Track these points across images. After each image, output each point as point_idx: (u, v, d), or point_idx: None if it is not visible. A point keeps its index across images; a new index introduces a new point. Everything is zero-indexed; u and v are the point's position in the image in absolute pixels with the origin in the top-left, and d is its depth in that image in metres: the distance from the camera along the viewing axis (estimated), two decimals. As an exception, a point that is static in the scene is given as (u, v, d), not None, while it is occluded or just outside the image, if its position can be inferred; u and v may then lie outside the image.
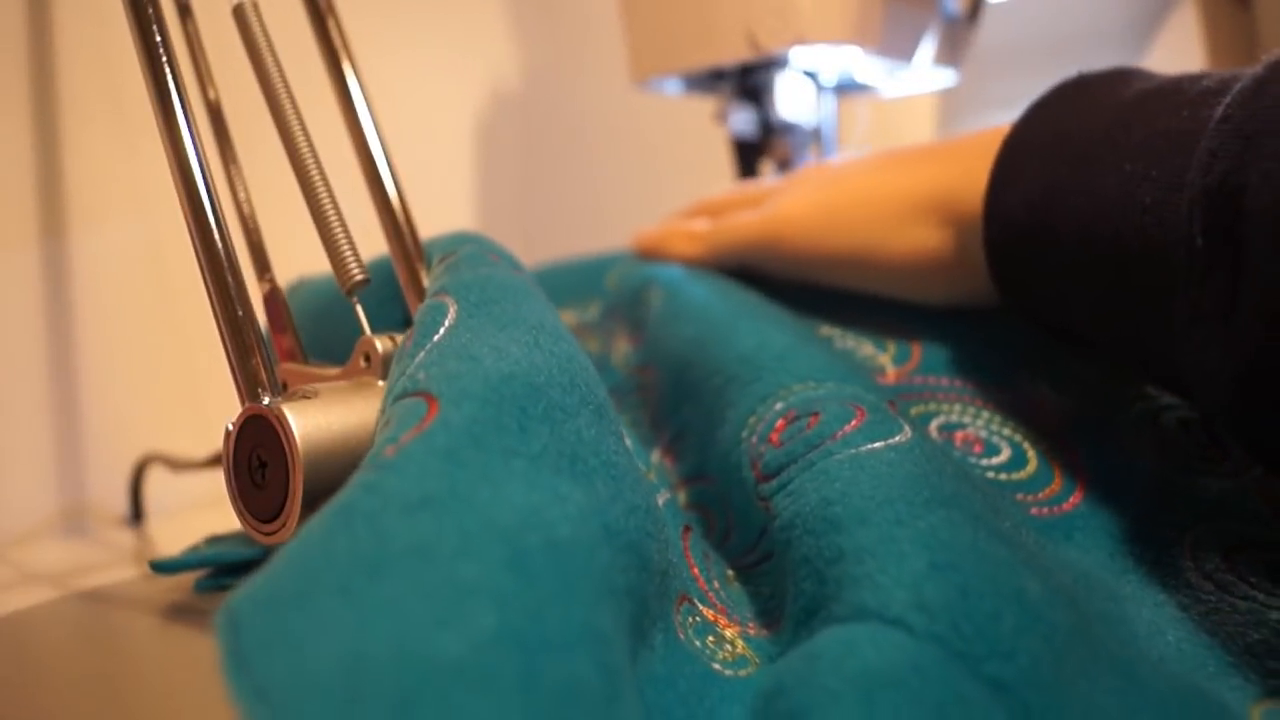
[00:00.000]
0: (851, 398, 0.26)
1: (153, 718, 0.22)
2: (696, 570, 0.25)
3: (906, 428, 0.24)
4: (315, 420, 0.24)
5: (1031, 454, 0.29)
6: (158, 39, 0.27)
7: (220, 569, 0.31)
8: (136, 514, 0.49)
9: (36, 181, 0.50)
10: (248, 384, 0.25)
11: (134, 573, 0.33)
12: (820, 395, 0.26)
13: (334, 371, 0.28)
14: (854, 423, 0.24)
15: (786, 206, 0.35)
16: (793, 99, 0.53)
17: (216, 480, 0.27)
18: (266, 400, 0.24)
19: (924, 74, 0.57)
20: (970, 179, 0.29)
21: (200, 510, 0.51)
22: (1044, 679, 0.17)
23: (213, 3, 0.34)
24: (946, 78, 0.59)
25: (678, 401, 0.32)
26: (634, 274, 0.40)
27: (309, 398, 0.24)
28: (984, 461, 0.29)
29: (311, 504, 0.23)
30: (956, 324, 0.33)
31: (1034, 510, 0.28)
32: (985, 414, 0.30)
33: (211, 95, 0.34)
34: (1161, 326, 0.23)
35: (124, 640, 0.28)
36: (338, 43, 0.31)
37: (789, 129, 0.55)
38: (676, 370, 0.32)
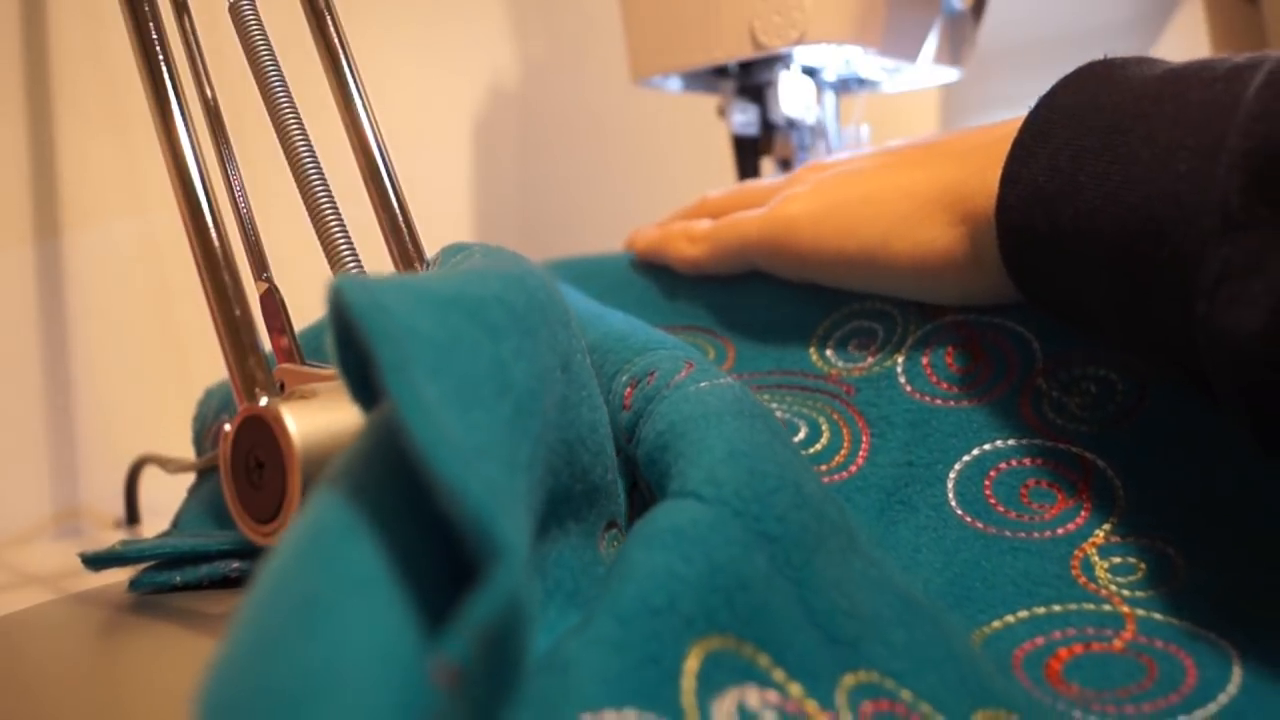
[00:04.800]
0: (683, 355, 0.29)
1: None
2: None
3: (730, 378, 0.27)
4: (313, 421, 0.23)
5: (825, 427, 0.32)
6: (154, 36, 0.27)
7: (153, 566, 0.31)
8: (132, 516, 0.49)
9: (32, 180, 0.50)
10: (245, 384, 0.25)
11: (129, 575, 0.33)
12: (655, 358, 0.29)
13: (332, 372, 0.27)
14: (684, 373, 0.27)
15: (791, 206, 0.35)
16: (794, 96, 0.53)
17: (213, 482, 0.26)
18: (264, 401, 0.24)
19: (927, 71, 0.57)
20: (982, 174, 0.29)
21: (198, 511, 0.51)
22: (807, 542, 0.21)
23: (210, 0, 0.33)
24: (949, 74, 0.59)
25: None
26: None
27: (306, 398, 0.24)
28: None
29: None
30: (759, 313, 0.37)
31: (824, 480, 0.30)
32: (789, 397, 0.34)
33: (209, 93, 0.34)
34: (1186, 297, 0.23)
35: (119, 642, 0.28)
36: (336, 40, 0.31)
37: (790, 126, 0.55)
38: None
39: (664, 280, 0.41)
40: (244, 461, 0.24)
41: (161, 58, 0.28)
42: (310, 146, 0.29)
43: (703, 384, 0.26)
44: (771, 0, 0.49)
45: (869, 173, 0.34)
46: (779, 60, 0.53)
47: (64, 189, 0.51)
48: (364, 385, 0.18)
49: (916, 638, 0.21)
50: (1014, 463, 0.29)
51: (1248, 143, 0.21)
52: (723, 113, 0.57)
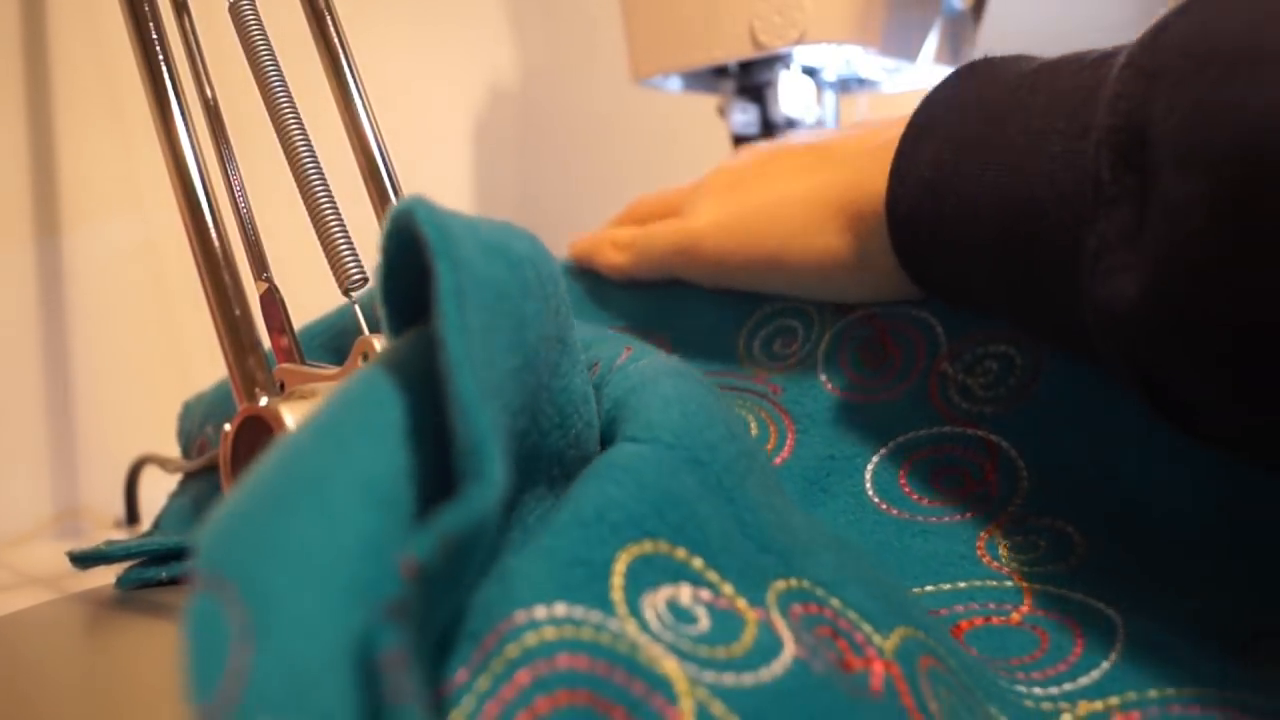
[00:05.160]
0: (622, 342, 0.30)
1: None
2: None
3: (672, 358, 0.28)
4: (313, 421, 0.23)
5: (754, 423, 0.33)
6: (154, 35, 0.27)
7: (140, 563, 0.32)
8: (132, 516, 0.49)
9: (31, 180, 0.50)
10: (245, 384, 0.25)
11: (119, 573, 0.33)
12: (596, 351, 0.29)
13: (332, 372, 0.27)
14: (623, 357, 0.28)
15: (697, 220, 0.37)
16: (794, 96, 0.53)
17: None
18: (264, 400, 0.24)
19: (927, 71, 0.57)
20: (871, 178, 0.31)
21: (198, 511, 0.51)
22: (737, 469, 0.22)
23: (210, 0, 0.33)
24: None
25: None
26: None
27: (306, 398, 0.24)
28: None
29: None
30: (689, 317, 0.38)
31: None
32: (727, 397, 0.35)
33: (209, 93, 0.34)
34: (1068, 274, 0.24)
35: (118, 642, 0.28)
36: (336, 40, 0.31)
37: (790, 126, 0.54)
38: None
39: (598, 284, 0.42)
40: (244, 461, 0.24)
41: (161, 57, 0.28)
42: (310, 146, 0.29)
43: (642, 362, 0.27)
44: (772, 0, 0.49)
45: (769, 180, 0.36)
46: (779, 60, 0.53)
47: (64, 189, 0.51)
48: (399, 315, 0.20)
49: (844, 561, 0.23)
50: (926, 452, 0.31)
51: (1113, 119, 0.22)
52: (723, 113, 0.57)
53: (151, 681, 0.25)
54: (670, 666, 0.17)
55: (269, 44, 0.31)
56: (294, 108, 0.30)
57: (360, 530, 0.15)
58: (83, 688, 0.24)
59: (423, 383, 0.18)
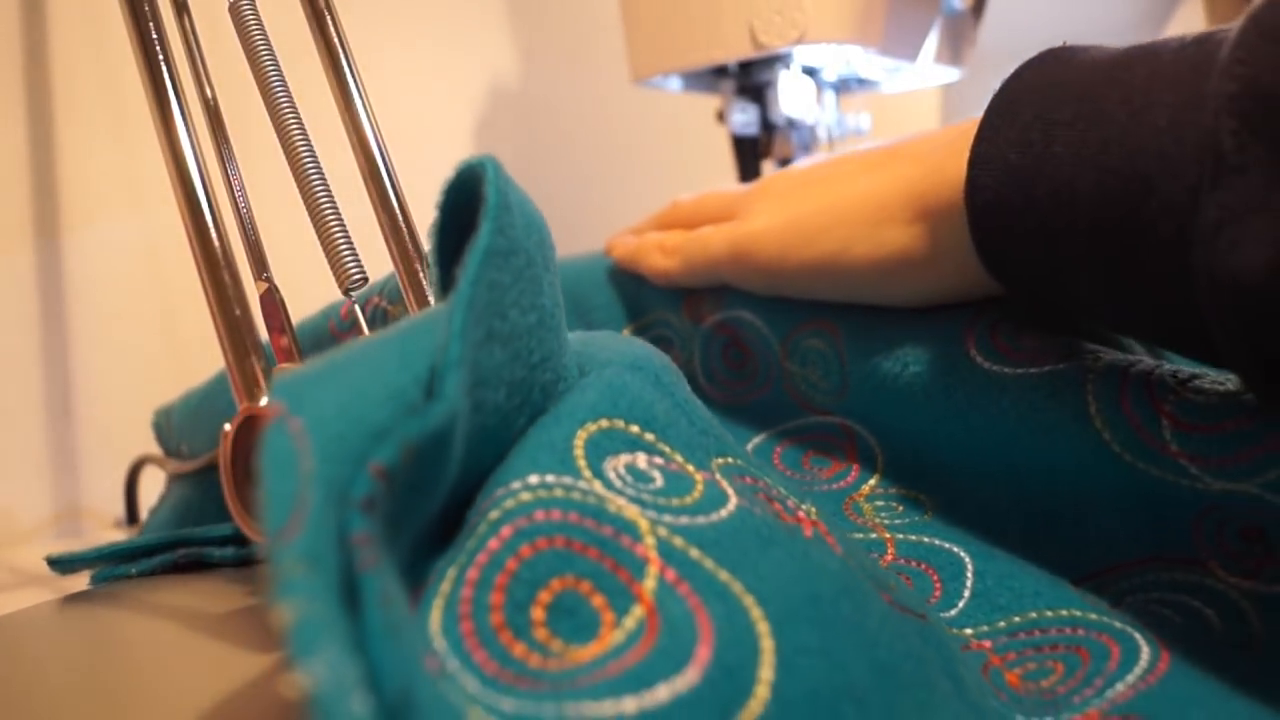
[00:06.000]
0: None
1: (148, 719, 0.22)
2: None
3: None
4: (313, 422, 0.23)
5: None
6: (154, 36, 0.27)
7: (114, 560, 0.33)
8: (132, 516, 0.49)
9: (31, 181, 0.50)
10: (245, 384, 0.25)
11: (120, 576, 0.33)
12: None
13: (332, 372, 0.27)
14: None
15: (754, 221, 0.35)
16: (794, 96, 0.53)
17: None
18: (264, 401, 0.24)
19: (927, 70, 0.57)
20: (941, 170, 0.29)
21: (198, 511, 0.51)
22: (670, 374, 0.26)
23: (210, 0, 0.33)
24: (949, 74, 0.59)
25: None
26: None
27: (307, 399, 0.24)
28: None
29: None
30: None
31: None
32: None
33: (209, 93, 0.34)
34: (1180, 250, 0.22)
35: (119, 642, 0.28)
36: (336, 40, 0.31)
37: (790, 126, 0.55)
38: None
39: (640, 288, 0.42)
40: (244, 461, 0.24)
41: (161, 58, 0.28)
42: (310, 146, 0.29)
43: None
44: (772, 0, 0.49)
45: (829, 181, 0.34)
46: (779, 60, 0.53)
47: (64, 189, 0.51)
48: (445, 266, 0.23)
49: (758, 459, 0.28)
50: (792, 440, 0.35)
51: (1232, 86, 0.21)
52: (722, 118, 0.57)
53: (152, 682, 0.25)
54: (633, 512, 0.20)
55: (269, 44, 0.31)
56: (294, 108, 0.30)
57: (371, 426, 0.17)
58: (83, 688, 0.24)
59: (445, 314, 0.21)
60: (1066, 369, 0.28)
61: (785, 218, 0.34)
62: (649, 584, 0.19)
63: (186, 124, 0.27)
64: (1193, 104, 0.22)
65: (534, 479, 0.20)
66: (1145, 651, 0.24)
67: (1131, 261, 0.24)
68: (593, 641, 0.18)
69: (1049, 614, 0.26)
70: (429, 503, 0.19)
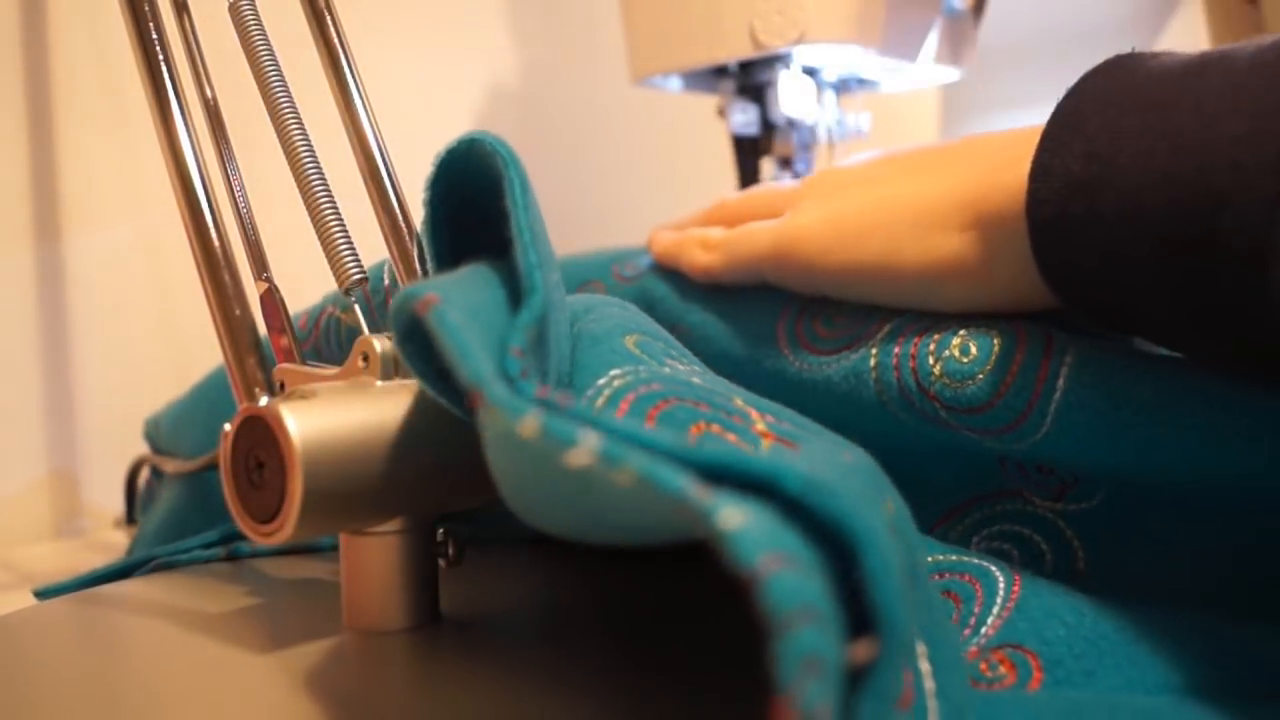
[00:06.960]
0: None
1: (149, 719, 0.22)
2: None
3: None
4: (313, 421, 0.23)
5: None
6: (154, 36, 0.27)
7: (100, 584, 0.34)
8: (131, 516, 0.49)
9: (32, 182, 0.50)
10: (245, 384, 0.25)
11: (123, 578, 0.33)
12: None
13: (332, 372, 0.27)
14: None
15: (801, 217, 0.34)
16: (794, 96, 0.53)
17: (213, 482, 0.27)
18: (264, 401, 0.24)
19: (927, 71, 0.57)
20: (996, 176, 0.28)
21: (198, 511, 0.51)
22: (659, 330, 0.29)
23: (210, 0, 0.33)
24: (950, 74, 0.59)
25: None
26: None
27: (306, 398, 0.24)
28: None
29: (308, 504, 0.23)
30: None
31: None
32: None
33: (209, 93, 0.34)
34: (1256, 264, 0.21)
35: (119, 642, 0.28)
36: (336, 40, 0.31)
37: (790, 126, 0.54)
38: None
39: (680, 284, 0.40)
40: (244, 461, 0.24)
41: (161, 58, 0.28)
42: (310, 146, 0.29)
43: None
44: (771, 0, 0.49)
45: (880, 181, 0.33)
46: (779, 60, 0.53)
47: (64, 190, 0.51)
48: (438, 216, 0.27)
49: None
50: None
51: None
52: (723, 113, 0.56)
53: (152, 682, 0.25)
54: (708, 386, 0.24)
55: (269, 44, 0.31)
56: (294, 108, 0.30)
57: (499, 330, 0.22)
58: (83, 688, 0.24)
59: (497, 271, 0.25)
60: (856, 360, 0.32)
61: (834, 214, 0.33)
62: (760, 426, 0.23)
63: (186, 124, 0.27)
64: (1270, 111, 0.21)
65: (616, 371, 0.24)
66: (1001, 581, 0.26)
67: (1202, 280, 0.23)
68: None
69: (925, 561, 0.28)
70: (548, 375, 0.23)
